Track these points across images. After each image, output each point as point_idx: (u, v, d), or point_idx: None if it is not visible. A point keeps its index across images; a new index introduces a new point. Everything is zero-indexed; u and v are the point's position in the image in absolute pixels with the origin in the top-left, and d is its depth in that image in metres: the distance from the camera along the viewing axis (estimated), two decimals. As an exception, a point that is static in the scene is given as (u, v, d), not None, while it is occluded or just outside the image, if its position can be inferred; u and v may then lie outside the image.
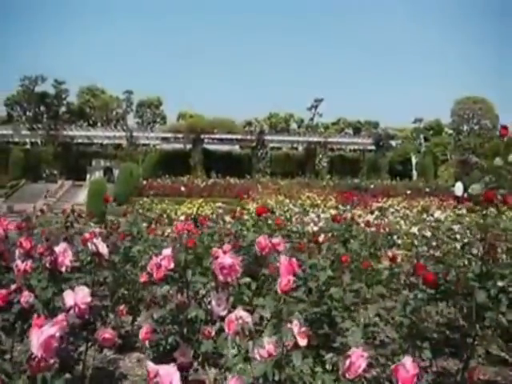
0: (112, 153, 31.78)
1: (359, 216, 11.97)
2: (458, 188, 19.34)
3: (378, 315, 2.36)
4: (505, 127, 2.13)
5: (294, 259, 1.63)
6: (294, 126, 46.08)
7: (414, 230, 7.24)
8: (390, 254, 3.34)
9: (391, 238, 5.17)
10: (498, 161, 2.16)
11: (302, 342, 1.60)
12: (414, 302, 2.30)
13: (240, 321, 1.58)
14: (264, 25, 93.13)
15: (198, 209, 15.01)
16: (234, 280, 1.85)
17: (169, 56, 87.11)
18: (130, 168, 19.59)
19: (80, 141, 32.02)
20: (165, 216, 11.63)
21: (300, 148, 34.32)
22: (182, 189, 21.24)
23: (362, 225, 4.87)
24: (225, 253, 1.94)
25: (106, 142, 32.72)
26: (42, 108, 37.92)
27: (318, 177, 27.17)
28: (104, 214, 13.48)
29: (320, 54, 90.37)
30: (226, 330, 1.62)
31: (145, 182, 22.49)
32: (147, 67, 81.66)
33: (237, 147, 34.09)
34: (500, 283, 2.20)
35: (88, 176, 31.00)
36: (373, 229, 5.31)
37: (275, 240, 2.06)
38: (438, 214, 8.37)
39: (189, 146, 29.22)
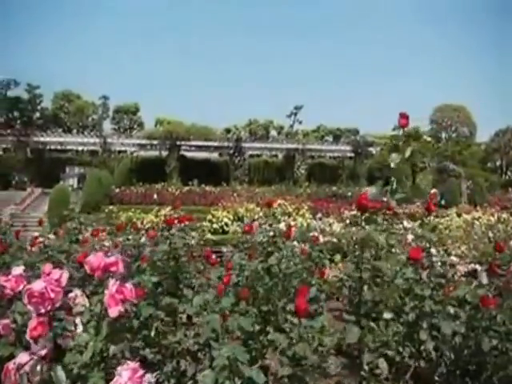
0: (87, 160, 30.96)
1: (329, 225, 11.61)
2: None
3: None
4: (405, 116, 1.73)
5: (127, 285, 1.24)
6: (273, 133, 45.86)
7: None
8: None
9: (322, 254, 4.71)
10: (394, 157, 1.76)
11: None
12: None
13: None
14: (243, 31, 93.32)
15: (165, 217, 14.49)
16: (48, 311, 1.37)
17: (147, 61, 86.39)
18: (99, 175, 18.90)
19: (53, 147, 31.11)
20: (129, 225, 11.09)
21: (280, 155, 34.01)
22: (155, 196, 20.66)
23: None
24: (48, 274, 1.45)
25: (80, 148, 31.86)
26: (16, 113, 36.87)
27: (297, 184, 26.87)
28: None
29: (301, 60, 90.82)
30: None
31: (117, 190, 21.86)
32: (125, 72, 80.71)
33: (215, 155, 33.60)
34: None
35: (61, 183, 30.11)
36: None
37: (110, 260, 1.57)
38: (405, 223, 8.11)
39: (165, 153, 28.63)
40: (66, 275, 1.48)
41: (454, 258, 4.72)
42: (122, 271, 1.56)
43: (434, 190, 19.82)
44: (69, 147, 31.64)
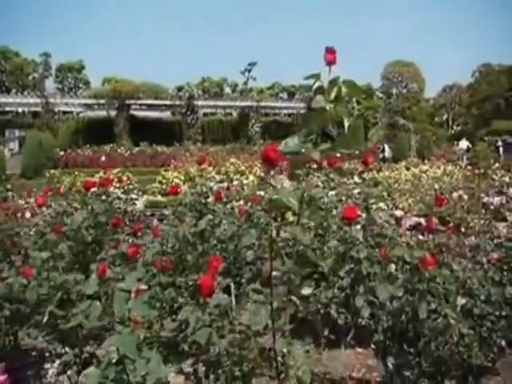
0: (29, 122, 28.97)
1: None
2: (385, 150, 19.57)
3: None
4: (331, 50, 1.48)
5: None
6: (227, 90, 44.71)
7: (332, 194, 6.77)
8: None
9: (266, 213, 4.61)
10: (318, 99, 1.52)
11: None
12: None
13: None
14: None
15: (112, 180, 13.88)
16: None
17: (92, 14, 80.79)
18: (39, 137, 17.73)
19: (-11, 109, 28.86)
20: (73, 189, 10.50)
21: (234, 113, 33.29)
22: (103, 159, 19.77)
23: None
24: None
25: (20, 109, 29.72)
26: None
27: (251, 142, 26.54)
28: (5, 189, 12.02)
29: (254, 17, 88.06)
30: None
31: (62, 153, 20.73)
32: (67, 28, 75.29)
33: (168, 113, 32.42)
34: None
35: (0, 147, 28.25)
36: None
37: None
38: (356, 178, 8.12)
39: (114, 113, 27.25)
40: None
41: (398, 212, 4.67)
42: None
43: (384, 145, 20.15)
44: (7, 108, 29.42)
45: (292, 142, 1.47)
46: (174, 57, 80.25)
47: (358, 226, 2.46)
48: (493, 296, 2.50)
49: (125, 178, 9.93)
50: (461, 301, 2.22)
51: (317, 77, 1.48)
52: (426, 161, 17.84)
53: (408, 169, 15.41)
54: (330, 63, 1.47)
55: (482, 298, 2.50)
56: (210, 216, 3.06)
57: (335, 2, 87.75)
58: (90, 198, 3.32)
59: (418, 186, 10.71)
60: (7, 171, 17.78)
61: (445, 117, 49.10)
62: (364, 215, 2.56)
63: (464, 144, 22.18)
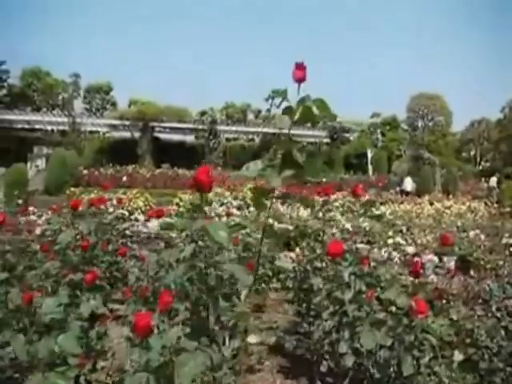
0: (56, 140, 29.76)
1: (297, 210, 11.23)
2: (407, 183, 19.14)
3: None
4: (301, 67, 1.32)
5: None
6: (251, 116, 45.13)
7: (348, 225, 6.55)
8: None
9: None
10: (283, 120, 1.37)
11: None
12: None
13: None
14: (220, 12, 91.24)
15: (130, 200, 13.96)
16: None
17: (122, 37, 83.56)
18: (64, 155, 18.07)
19: (20, 126, 29.81)
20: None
21: (257, 139, 33.48)
22: (124, 179, 20.00)
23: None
24: None
25: (49, 128, 30.64)
26: (-19, 90, 35.14)
27: (272, 169, 26.51)
28: (26, 204, 12.16)
29: (278, 44, 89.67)
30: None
31: (85, 172, 21.08)
32: (98, 50, 77.99)
33: (192, 137, 32.86)
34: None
35: (29, 164, 29.01)
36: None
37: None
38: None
39: (138, 135, 27.79)
40: None
41: (410, 249, 4.39)
42: None
43: (407, 178, 19.72)
44: (37, 126, 30.35)
45: (254, 166, 1.30)
46: (199, 81, 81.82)
47: (346, 264, 2.23)
48: (504, 349, 2.20)
49: (125, 197, 9.92)
50: (459, 356, 1.95)
51: (283, 94, 1.32)
52: (450, 196, 17.33)
53: (431, 203, 14.95)
54: (300, 80, 1.30)
55: (492, 350, 2.21)
56: (200, 243, 2.87)
57: (359, 33, 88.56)
58: (79, 217, 3.19)
59: (439, 222, 10.32)
60: (32, 187, 18.14)
61: (472, 152, 48.14)
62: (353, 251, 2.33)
63: (494, 181, 21.52)
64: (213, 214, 7.03)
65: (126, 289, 2.32)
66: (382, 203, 13.51)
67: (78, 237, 3.11)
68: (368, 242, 4.64)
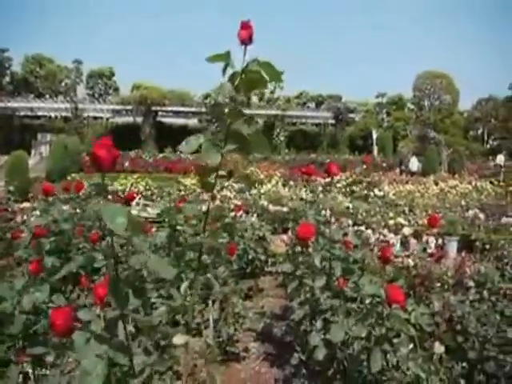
0: (60, 126, 29.64)
1: (297, 192, 11.09)
2: (413, 163, 18.84)
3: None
4: (246, 25, 1.16)
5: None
6: (254, 99, 44.56)
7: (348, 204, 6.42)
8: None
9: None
10: (226, 88, 1.22)
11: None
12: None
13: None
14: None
15: (131, 185, 13.89)
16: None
17: (124, 23, 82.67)
18: (65, 141, 17.98)
19: (23, 113, 29.70)
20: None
21: (260, 122, 33.14)
22: (126, 164, 19.91)
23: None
24: None
25: (53, 114, 30.51)
26: (-16, 78, 34.94)
27: (275, 151, 26.28)
28: (27, 191, 12.10)
29: (283, 26, 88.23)
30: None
31: (88, 158, 21.03)
32: (99, 35, 77.25)
33: (195, 121, 32.58)
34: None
35: (33, 151, 29.02)
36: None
37: None
38: (377, 191, 7.67)
39: (140, 119, 27.58)
40: None
41: (406, 230, 4.22)
42: None
43: (413, 158, 19.41)
44: (40, 113, 30.24)
45: (194, 141, 1.14)
46: (203, 64, 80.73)
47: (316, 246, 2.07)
48: (495, 336, 2.04)
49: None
50: (440, 348, 1.80)
51: (225, 58, 1.14)
52: (456, 175, 17.03)
53: (436, 183, 14.70)
54: (245, 42, 1.13)
55: (485, 338, 2.06)
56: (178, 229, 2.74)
57: (366, 12, 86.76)
58: (52, 203, 3.06)
59: (443, 202, 10.12)
60: (34, 174, 18.11)
61: (480, 131, 47.21)
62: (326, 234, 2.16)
63: (501, 159, 21.09)
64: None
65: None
66: (389, 183, 13.23)
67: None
68: (364, 224, 4.48)
